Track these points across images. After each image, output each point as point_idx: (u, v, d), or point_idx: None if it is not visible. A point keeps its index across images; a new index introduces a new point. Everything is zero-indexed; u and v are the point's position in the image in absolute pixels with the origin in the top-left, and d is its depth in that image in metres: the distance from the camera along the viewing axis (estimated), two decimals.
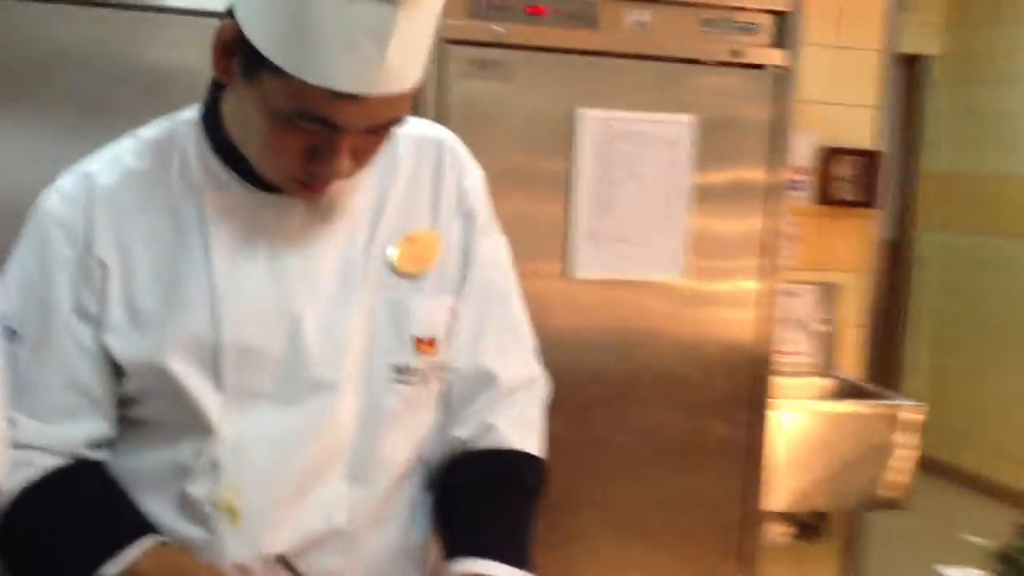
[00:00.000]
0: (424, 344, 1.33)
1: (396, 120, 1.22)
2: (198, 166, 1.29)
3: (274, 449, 1.27)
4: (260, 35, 1.16)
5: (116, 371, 1.28)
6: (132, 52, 1.98)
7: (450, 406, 1.39)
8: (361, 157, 1.23)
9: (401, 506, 1.37)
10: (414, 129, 1.38)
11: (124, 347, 1.27)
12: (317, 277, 1.29)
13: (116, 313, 1.27)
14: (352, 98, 1.14)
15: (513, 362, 1.41)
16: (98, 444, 1.30)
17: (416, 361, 1.32)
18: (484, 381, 1.38)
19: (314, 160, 1.20)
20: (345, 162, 1.20)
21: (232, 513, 1.26)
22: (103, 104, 1.97)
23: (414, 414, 1.35)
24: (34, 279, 1.28)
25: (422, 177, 1.37)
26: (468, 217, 1.39)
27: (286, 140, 1.19)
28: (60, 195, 1.30)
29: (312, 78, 1.13)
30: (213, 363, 1.26)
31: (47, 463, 1.26)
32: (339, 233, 1.31)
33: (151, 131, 1.34)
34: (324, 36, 1.12)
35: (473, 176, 1.41)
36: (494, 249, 1.43)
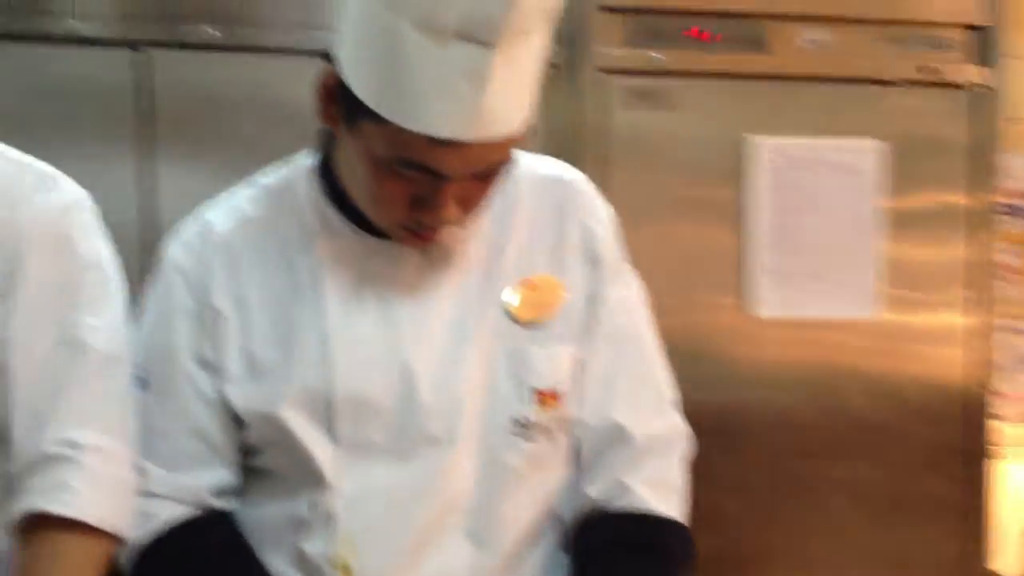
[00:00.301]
0: (546, 397, 1.26)
1: (502, 165, 1.19)
2: (312, 213, 1.28)
3: (389, 505, 1.23)
4: (357, 80, 1.14)
5: (236, 420, 1.28)
6: (292, 95, 2.06)
7: (581, 463, 1.32)
8: (469, 204, 1.20)
9: (531, 569, 1.30)
10: (538, 168, 1.34)
11: (241, 397, 1.27)
12: (431, 326, 1.25)
13: (233, 363, 1.27)
14: (450, 144, 1.11)
15: (648, 416, 1.31)
16: (223, 492, 1.30)
17: (538, 415, 1.26)
18: (616, 437, 1.29)
19: (420, 208, 1.18)
20: (452, 210, 1.17)
21: (347, 572, 1.23)
22: (266, 146, 2.04)
23: (539, 472, 1.28)
24: (159, 327, 1.31)
25: (544, 219, 1.32)
26: (595, 262, 1.32)
27: (389, 188, 1.17)
28: (180, 243, 1.32)
29: (409, 124, 1.11)
30: (326, 414, 1.24)
31: (175, 513, 1.27)
32: (454, 280, 1.27)
33: (268, 178, 1.35)
34: (419, 80, 1.09)
35: (601, 218, 1.34)
36: (624, 295, 1.35)
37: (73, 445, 1.21)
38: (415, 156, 1.12)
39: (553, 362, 1.27)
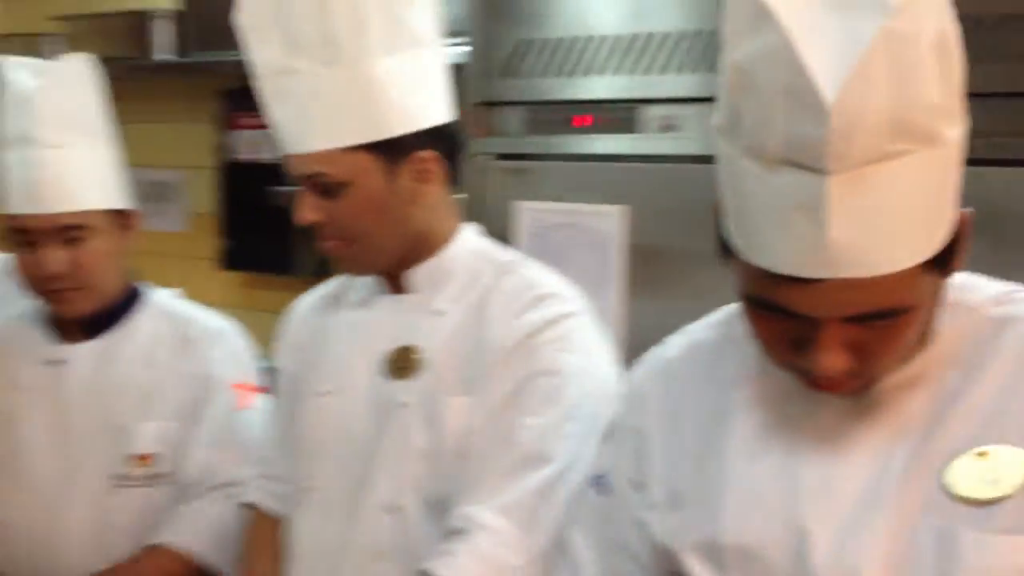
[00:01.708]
0: None
1: (893, 310, 1.01)
2: (753, 344, 1.15)
3: None
4: (723, 212, 1.08)
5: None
6: None
7: None
8: (865, 352, 1.04)
9: None
10: (1009, 308, 1.12)
11: (657, 526, 1.22)
12: (837, 487, 1.09)
13: (656, 490, 1.23)
14: (797, 281, 0.99)
15: None
16: None
17: None
18: None
19: (800, 352, 1.05)
20: (833, 357, 1.03)
21: None
22: None
23: None
24: (605, 439, 1.35)
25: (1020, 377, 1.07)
26: None
27: (761, 327, 1.09)
28: (641, 362, 1.35)
29: (752, 257, 1.03)
30: (719, 562, 1.14)
31: None
32: (880, 435, 1.09)
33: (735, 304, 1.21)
34: (757, 211, 1.01)
35: None
36: None
37: (471, 520, 1.37)
38: (765, 293, 1.03)
39: (1001, 554, 1.00)
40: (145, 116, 3.90)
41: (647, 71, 2.13)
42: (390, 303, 1.56)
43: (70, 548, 1.78)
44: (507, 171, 2.29)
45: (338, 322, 1.62)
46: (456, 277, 1.53)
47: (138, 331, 1.93)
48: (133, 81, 3.72)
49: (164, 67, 3.60)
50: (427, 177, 1.50)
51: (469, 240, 1.58)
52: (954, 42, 0.99)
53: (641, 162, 2.13)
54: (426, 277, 1.54)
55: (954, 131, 1.00)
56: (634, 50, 2.10)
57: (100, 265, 1.85)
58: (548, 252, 2.24)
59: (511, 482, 1.39)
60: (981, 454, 1.04)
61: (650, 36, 2.12)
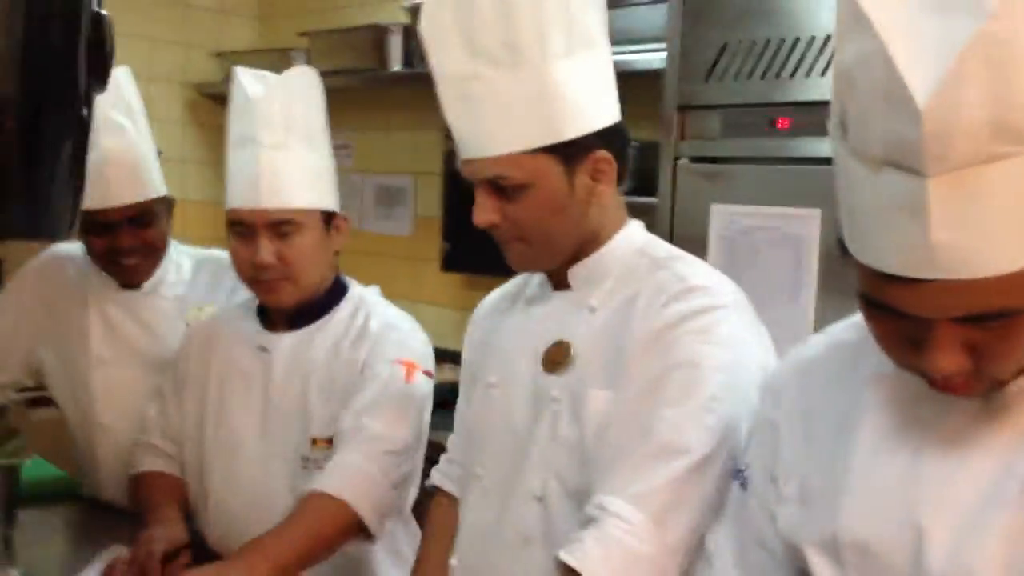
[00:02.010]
0: None
1: (1003, 312, 1.00)
2: None
3: None
4: (839, 211, 1.10)
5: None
6: None
7: None
8: (985, 353, 1.04)
9: None
10: None
11: (783, 520, 1.25)
12: (958, 488, 1.09)
13: (786, 485, 1.25)
14: (902, 280, 1.01)
15: None
16: None
17: None
18: None
19: (918, 352, 1.06)
20: (948, 358, 1.03)
21: None
22: None
23: None
24: (750, 435, 1.38)
25: None
26: None
27: (877, 327, 1.10)
28: (783, 359, 1.39)
29: (860, 256, 1.05)
30: (838, 558, 1.17)
31: None
32: (1004, 440, 1.09)
33: None
34: (864, 210, 1.03)
35: None
36: None
37: (603, 509, 1.39)
38: (876, 293, 1.05)
39: None
40: (380, 124, 4.14)
41: None
42: (553, 300, 1.61)
43: (268, 527, 1.85)
44: (702, 174, 2.30)
45: (511, 318, 1.69)
46: (612, 273, 1.56)
47: (332, 324, 2.05)
48: (370, 91, 3.97)
49: (397, 77, 3.80)
50: (602, 176, 1.53)
51: (631, 237, 1.60)
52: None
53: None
54: (584, 274, 1.58)
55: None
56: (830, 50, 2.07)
57: (305, 260, 1.97)
58: (742, 255, 2.23)
59: (645, 472, 1.39)
60: None
61: None
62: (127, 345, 2.36)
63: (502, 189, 1.49)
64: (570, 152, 1.49)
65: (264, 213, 1.92)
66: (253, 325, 2.09)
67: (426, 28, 1.52)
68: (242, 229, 1.95)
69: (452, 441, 1.84)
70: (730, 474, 1.38)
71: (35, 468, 2.42)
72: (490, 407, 1.64)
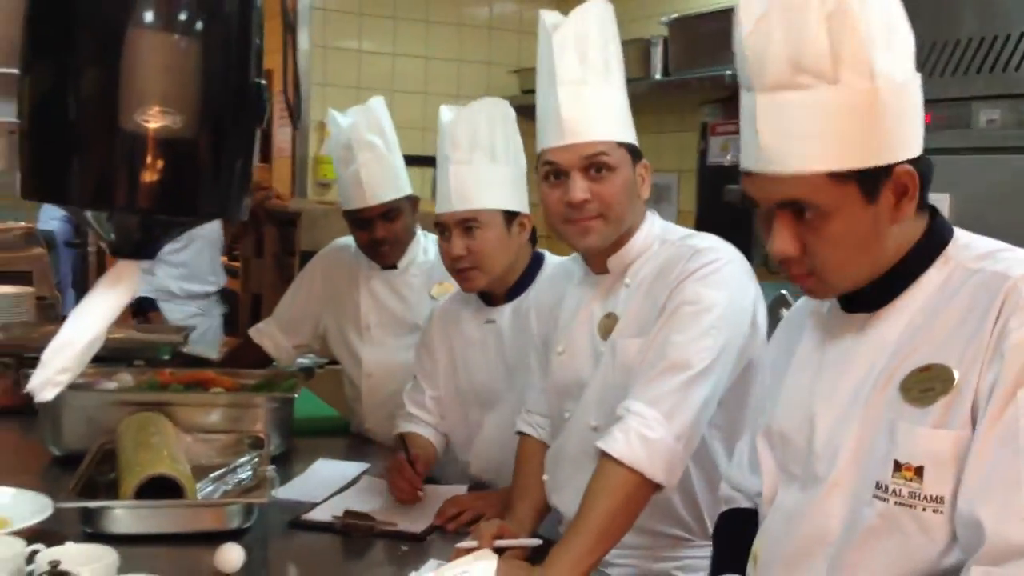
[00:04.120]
0: (904, 470, 1.35)
1: (810, 203, 1.35)
2: None
3: (786, 520, 1.51)
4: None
5: None
6: None
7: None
8: (809, 248, 1.39)
9: None
10: (985, 263, 1.37)
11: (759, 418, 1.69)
12: (839, 390, 1.45)
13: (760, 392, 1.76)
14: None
15: (1012, 523, 1.24)
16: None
17: (894, 483, 1.36)
18: (972, 531, 1.28)
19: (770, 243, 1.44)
20: (781, 242, 1.39)
21: (755, 559, 1.57)
22: None
23: (893, 536, 1.36)
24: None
25: (971, 315, 1.34)
26: (1003, 361, 1.28)
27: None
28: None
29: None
30: (771, 443, 1.58)
31: (742, 504, 1.72)
32: (868, 353, 1.43)
33: None
34: (742, 127, 1.42)
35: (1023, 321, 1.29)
36: None
37: (627, 410, 1.80)
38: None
39: (920, 443, 1.33)
40: (648, 127, 4.54)
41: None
42: (600, 281, 2.05)
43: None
44: None
45: (569, 299, 2.13)
46: (641, 256, 1.99)
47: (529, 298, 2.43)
48: (637, 98, 4.36)
49: (659, 84, 4.21)
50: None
51: (651, 226, 2.01)
52: (855, 15, 1.30)
53: (970, 154, 2.30)
54: (619, 260, 2.01)
55: (863, 81, 1.30)
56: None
57: (489, 252, 2.35)
58: None
59: (658, 382, 1.82)
60: (925, 368, 1.36)
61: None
62: (387, 312, 2.98)
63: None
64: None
65: (451, 214, 2.35)
66: (479, 303, 2.52)
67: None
68: (441, 229, 2.40)
69: (530, 396, 2.26)
70: (722, 384, 1.85)
71: (315, 408, 3.10)
72: (563, 371, 2.10)
